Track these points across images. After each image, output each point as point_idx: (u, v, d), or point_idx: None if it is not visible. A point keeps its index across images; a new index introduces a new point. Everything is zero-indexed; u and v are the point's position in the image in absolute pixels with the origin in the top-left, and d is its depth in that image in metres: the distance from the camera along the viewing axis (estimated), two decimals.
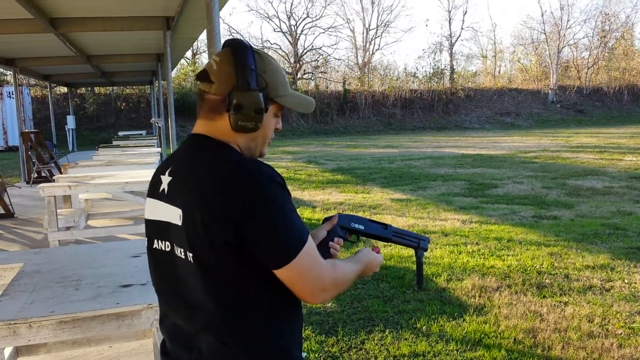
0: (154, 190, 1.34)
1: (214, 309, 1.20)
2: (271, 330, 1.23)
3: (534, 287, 4.44)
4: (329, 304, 4.18)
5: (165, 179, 1.29)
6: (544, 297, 4.24)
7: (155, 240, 1.33)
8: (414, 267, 5.04)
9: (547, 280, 4.60)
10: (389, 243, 1.64)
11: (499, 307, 4.04)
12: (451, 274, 4.83)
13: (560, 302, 4.13)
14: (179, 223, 1.21)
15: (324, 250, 1.53)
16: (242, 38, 1.28)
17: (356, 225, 1.58)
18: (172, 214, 1.24)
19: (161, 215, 1.29)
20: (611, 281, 4.55)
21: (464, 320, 3.83)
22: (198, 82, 1.30)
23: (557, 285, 4.47)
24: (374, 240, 1.65)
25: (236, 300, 1.20)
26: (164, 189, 1.29)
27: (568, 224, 6.62)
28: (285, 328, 1.27)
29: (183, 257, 1.22)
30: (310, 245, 1.20)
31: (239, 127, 1.24)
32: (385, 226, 1.62)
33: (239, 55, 1.23)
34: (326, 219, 1.58)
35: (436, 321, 3.82)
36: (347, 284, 1.34)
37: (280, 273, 1.18)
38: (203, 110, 1.29)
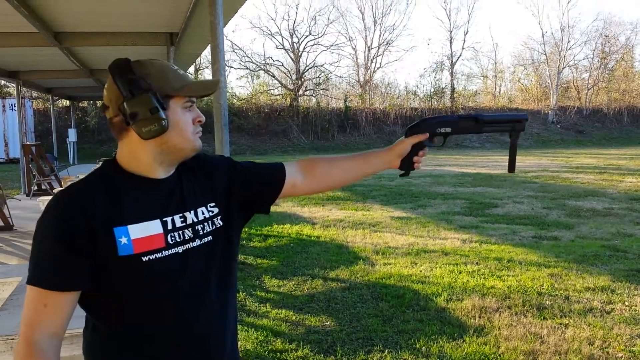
0: None
1: None
2: None
3: (534, 309, 4.41)
4: (327, 322, 4.15)
5: None
6: (544, 318, 4.22)
7: None
8: (414, 286, 5.02)
9: (547, 302, 4.57)
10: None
11: (499, 329, 4.02)
12: (451, 293, 4.80)
13: (560, 324, 4.11)
14: None
15: (408, 165, 1.56)
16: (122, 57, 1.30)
17: (442, 130, 1.55)
18: None
19: None
20: (612, 303, 4.53)
21: (463, 341, 3.81)
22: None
23: (557, 307, 4.45)
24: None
25: None
26: None
27: (568, 245, 6.61)
28: None
29: None
30: (36, 292, 1.20)
31: (146, 134, 1.23)
32: (476, 120, 1.55)
33: (115, 70, 1.25)
34: (410, 128, 1.56)
35: (436, 342, 3.79)
36: None
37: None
38: (115, 134, 1.31)
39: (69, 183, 1.26)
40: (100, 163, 1.35)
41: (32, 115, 22.90)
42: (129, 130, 1.26)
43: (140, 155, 1.28)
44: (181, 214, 1.32)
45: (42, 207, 5.23)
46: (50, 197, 5.65)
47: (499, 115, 1.58)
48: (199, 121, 1.34)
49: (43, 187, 11.34)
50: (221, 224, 1.39)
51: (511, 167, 1.65)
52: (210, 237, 1.36)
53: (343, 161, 1.61)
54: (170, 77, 1.28)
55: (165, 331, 1.30)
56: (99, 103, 26.95)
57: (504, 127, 1.58)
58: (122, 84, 1.23)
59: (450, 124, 1.55)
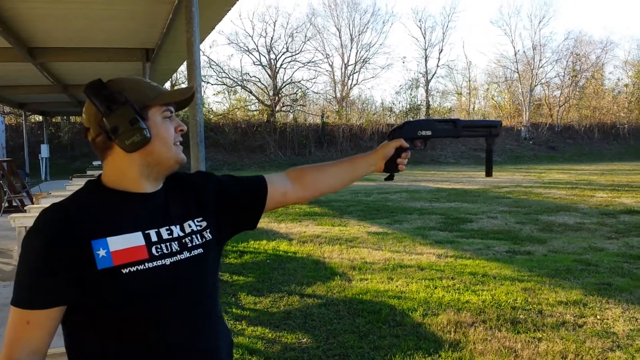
0: None
1: None
2: None
3: (509, 323, 4.46)
4: (304, 339, 4.14)
5: None
6: (518, 332, 4.26)
7: None
8: (390, 301, 5.04)
9: (521, 316, 4.63)
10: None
11: (474, 343, 4.05)
12: (427, 308, 4.83)
13: (534, 337, 4.16)
14: None
15: (392, 167, 1.61)
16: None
17: (423, 133, 1.61)
18: None
19: None
20: (584, 317, 4.60)
21: (439, 356, 3.83)
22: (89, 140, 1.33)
23: (531, 321, 4.50)
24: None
25: None
26: None
27: (541, 260, 6.70)
28: None
29: None
30: (18, 311, 1.20)
31: (129, 146, 1.25)
32: (455, 123, 1.62)
33: (90, 91, 1.27)
34: (393, 131, 1.62)
35: (412, 357, 3.80)
36: None
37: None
38: (99, 155, 1.32)
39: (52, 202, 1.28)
40: (84, 184, 1.34)
41: (3, 130, 22.50)
42: (113, 147, 1.27)
43: (127, 171, 1.29)
44: (167, 227, 1.32)
45: (13, 225, 5.15)
46: (20, 214, 5.52)
47: (475, 121, 1.67)
48: (181, 130, 1.35)
49: (14, 204, 11.14)
50: (211, 237, 1.39)
51: (488, 171, 1.72)
52: (201, 250, 1.35)
53: (331, 167, 1.64)
54: (145, 88, 1.31)
55: (157, 348, 1.26)
56: (72, 118, 26.68)
57: (480, 132, 1.65)
58: (98, 101, 1.25)
59: (431, 126, 1.62)
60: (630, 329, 4.28)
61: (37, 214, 1.26)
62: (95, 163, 18.00)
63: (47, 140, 21.20)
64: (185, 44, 3.77)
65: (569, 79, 38.62)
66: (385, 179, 1.65)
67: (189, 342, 1.29)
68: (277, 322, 4.56)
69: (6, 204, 11.17)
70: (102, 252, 1.20)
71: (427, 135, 1.62)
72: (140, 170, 1.29)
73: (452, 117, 1.66)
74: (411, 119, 1.66)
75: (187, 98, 1.39)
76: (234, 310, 4.90)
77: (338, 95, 38.27)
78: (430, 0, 56.90)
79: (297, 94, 35.40)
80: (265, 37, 42.78)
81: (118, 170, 1.29)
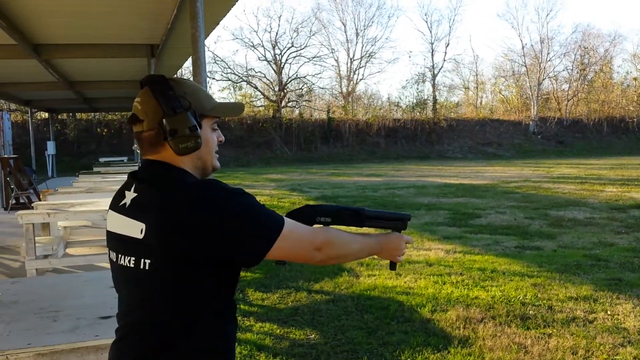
0: (116, 203, 1.40)
1: (144, 318, 1.31)
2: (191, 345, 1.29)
3: (518, 319, 4.42)
4: (312, 335, 4.12)
5: (130, 195, 1.35)
6: (528, 328, 4.22)
7: (118, 255, 1.37)
8: (398, 297, 5.01)
9: (530, 312, 4.58)
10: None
11: (483, 339, 4.01)
12: (435, 304, 4.79)
13: (544, 333, 4.11)
14: (141, 237, 1.27)
15: None
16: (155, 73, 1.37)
17: (322, 219, 1.53)
18: (134, 228, 1.29)
19: (122, 228, 1.34)
20: (594, 313, 4.55)
21: (448, 352, 3.79)
22: (132, 127, 1.37)
23: (540, 317, 4.46)
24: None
25: (161, 311, 1.28)
26: (125, 203, 1.35)
27: (551, 255, 6.65)
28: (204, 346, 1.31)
29: (143, 268, 1.28)
30: (292, 223, 1.33)
31: (181, 150, 1.31)
32: (358, 214, 1.53)
33: (156, 87, 1.31)
34: (290, 213, 1.54)
35: (421, 353, 3.77)
36: (348, 247, 1.43)
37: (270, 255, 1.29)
38: (144, 149, 1.36)
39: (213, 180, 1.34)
40: (175, 171, 1.35)
41: (10, 127, 22.52)
42: (164, 145, 1.32)
43: (185, 164, 1.36)
44: None
45: (21, 222, 5.14)
46: (27, 211, 5.49)
47: (382, 212, 1.56)
48: (220, 140, 1.45)
49: (21, 201, 11.17)
50: None
51: (392, 265, 1.61)
52: None
53: None
54: (203, 98, 1.38)
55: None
56: (78, 115, 26.74)
57: (386, 224, 1.55)
58: (163, 100, 1.29)
59: (331, 214, 1.53)
60: None
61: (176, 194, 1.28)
62: (102, 160, 18.06)
63: (53, 137, 21.24)
64: (190, 39, 3.74)
65: (577, 72, 38.37)
66: (277, 265, 1.57)
67: None
68: (285, 318, 4.54)
69: (13, 201, 11.20)
70: None
71: (327, 222, 1.53)
72: (192, 169, 1.37)
73: (356, 207, 1.55)
74: (311, 203, 1.54)
75: None
76: (241, 306, 4.89)
77: (344, 90, 38.22)
78: None
79: (302, 89, 35.37)
80: (270, 32, 42.78)
81: (178, 163, 1.35)
